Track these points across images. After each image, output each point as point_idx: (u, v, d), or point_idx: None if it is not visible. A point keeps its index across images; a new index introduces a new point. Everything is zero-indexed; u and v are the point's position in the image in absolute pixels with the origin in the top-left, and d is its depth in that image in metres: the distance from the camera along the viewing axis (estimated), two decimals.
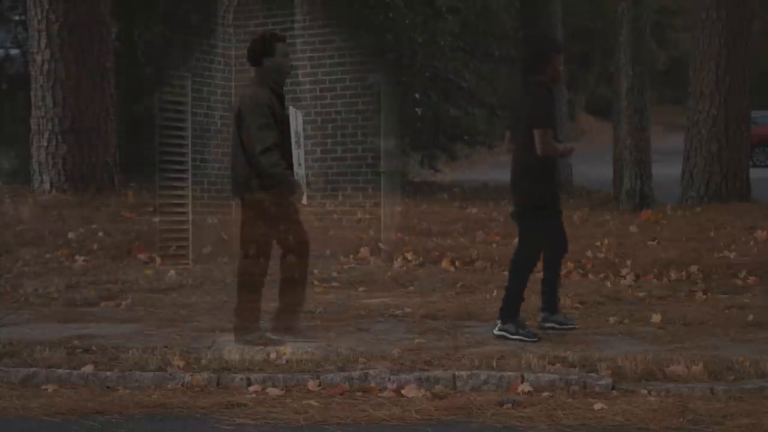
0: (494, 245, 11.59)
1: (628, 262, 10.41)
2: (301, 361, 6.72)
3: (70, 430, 5.62)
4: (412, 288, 9.81)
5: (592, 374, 6.35)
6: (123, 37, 22.18)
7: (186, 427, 5.67)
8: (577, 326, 7.80)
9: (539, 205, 7.53)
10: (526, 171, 7.56)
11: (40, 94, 15.42)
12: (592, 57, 43.31)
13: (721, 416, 5.65)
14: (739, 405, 5.86)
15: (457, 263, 10.96)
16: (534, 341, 7.34)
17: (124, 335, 7.72)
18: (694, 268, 10.19)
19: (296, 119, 7.52)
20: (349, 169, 11.74)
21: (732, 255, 10.73)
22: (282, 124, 7.34)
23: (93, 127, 15.46)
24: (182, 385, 6.37)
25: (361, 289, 9.88)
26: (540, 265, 7.79)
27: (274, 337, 7.38)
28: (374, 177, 11.25)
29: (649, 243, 11.44)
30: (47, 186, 15.27)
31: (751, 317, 8.18)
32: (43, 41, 15.31)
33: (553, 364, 6.54)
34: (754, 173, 16.91)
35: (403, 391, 6.18)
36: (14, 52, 23.16)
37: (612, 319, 8.21)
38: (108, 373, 6.55)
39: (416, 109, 20.77)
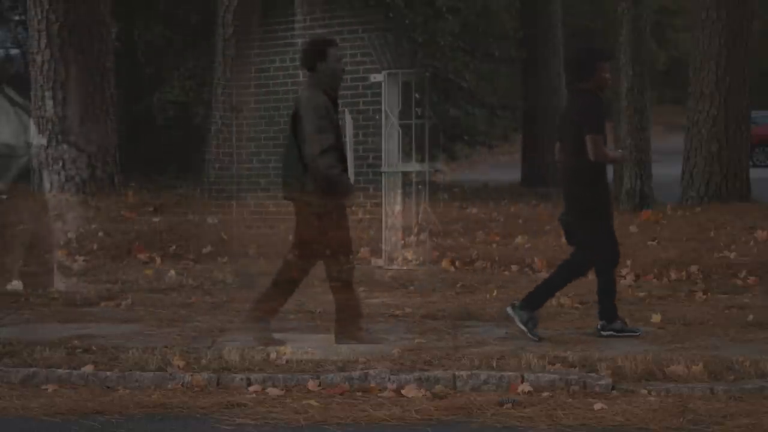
0: (494, 245, 11.59)
1: (628, 262, 10.41)
2: (301, 361, 6.72)
3: (70, 430, 5.63)
4: (412, 288, 9.81)
5: (592, 374, 6.35)
6: (123, 37, 22.19)
7: (186, 427, 5.67)
8: (640, 333, 7.65)
9: (592, 209, 7.56)
10: (576, 177, 7.61)
11: (40, 94, 15.42)
12: None
13: (721, 416, 5.65)
14: (739, 405, 5.86)
15: (457, 263, 10.96)
16: (535, 341, 7.36)
17: (124, 335, 7.72)
18: (694, 268, 10.19)
19: (348, 123, 7.56)
20: (349, 168, 11.73)
21: (732, 255, 10.73)
22: (336, 127, 7.40)
23: (93, 127, 15.46)
24: (182, 385, 6.37)
25: (361, 289, 9.87)
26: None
27: (277, 337, 7.37)
28: (375, 177, 11.24)
29: (649, 243, 11.44)
30: (47, 186, 15.27)
31: (751, 317, 8.18)
32: (43, 41, 15.32)
33: (553, 364, 6.54)
34: (754, 173, 16.91)
35: (403, 391, 6.18)
36: (14, 52, 23.17)
37: None
38: (108, 373, 6.55)
39: (416, 109, 20.76)
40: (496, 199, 16.24)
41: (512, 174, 24.25)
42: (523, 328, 7.46)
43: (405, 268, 10.75)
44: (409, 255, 11.09)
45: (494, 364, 6.57)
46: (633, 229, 12.27)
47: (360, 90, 11.48)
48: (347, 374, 6.40)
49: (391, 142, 11.02)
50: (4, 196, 8.64)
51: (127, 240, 11.97)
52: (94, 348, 7.18)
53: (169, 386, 6.37)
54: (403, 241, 11.27)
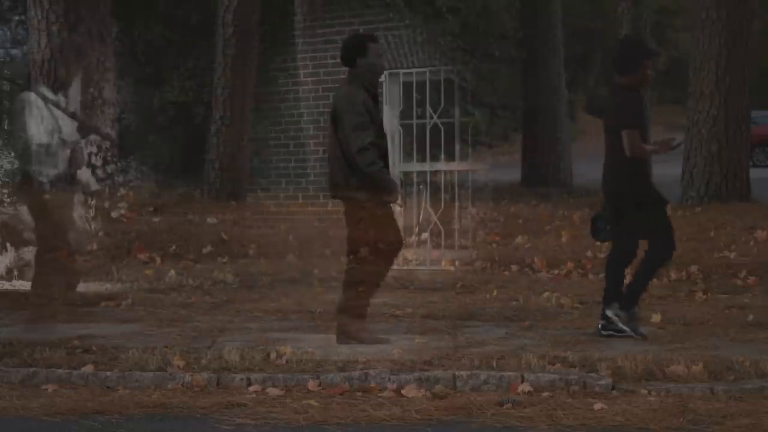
0: (494, 245, 11.59)
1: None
2: (301, 361, 6.72)
3: (70, 430, 5.62)
4: (412, 288, 9.81)
5: (592, 374, 6.35)
6: (123, 37, 22.17)
7: (186, 427, 5.67)
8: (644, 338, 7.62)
9: (633, 203, 7.53)
10: (616, 171, 7.59)
11: (40, 94, 15.40)
12: (592, 57, 43.31)
13: (721, 416, 5.64)
14: (739, 405, 5.86)
15: (457, 263, 10.96)
16: (640, 338, 7.38)
17: (124, 335, 7.72)
18: (694, 268, 10.19)
19: (391, 121, 7.50)
20: None
21: (732, 255, 10.74)
22: (377, 123, 7.35)
23: (93, 127, 15.45)
24: (182, 385, 6.37)
25: (360, 289, 9.87)
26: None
27: (381, 336, 7.38)
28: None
29: None
30: (47, 186, 15.25)
31: (751, 317, 8.18)
32: (43, 41, 15.32)
33: (553, 364, 6.54)
34: (754, 173, 16.92)
35: (403, 391, 6.18)
36: (14, 52, 23.17)
37: None
38: (108, 373, 6.55)
39: (416, 109, 20.77)
40: (496, 199, 16.23)
41: (512, 174, 24.26)
42: (625, 328, 7.43)
43: (406, 268, 10.75)
44: (410, 255, 11.10)
45: (494, 364, 6.57)
46: None
47: None
48: (347, 374, 6.40)
49: (391, 141, 11.03)
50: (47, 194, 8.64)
51: (127, 240, 11.97)
52: (94, 348, 7.19)
53: (169, 386, 6.37)
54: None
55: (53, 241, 8.41)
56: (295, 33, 17.30)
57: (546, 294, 9.27)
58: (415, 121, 11.55)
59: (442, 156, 11.92)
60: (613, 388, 6.16)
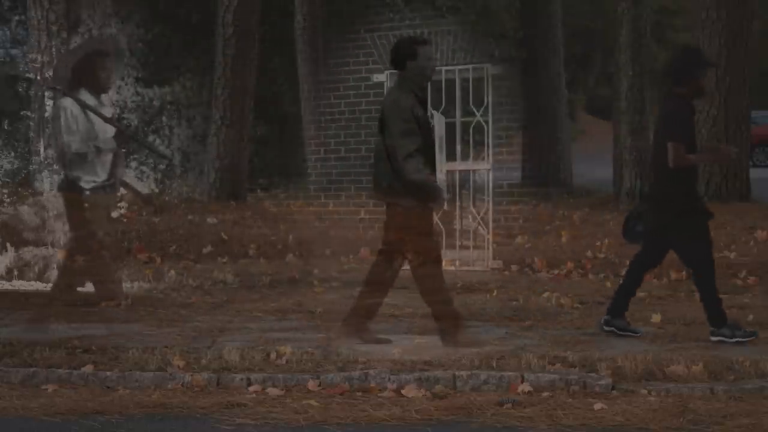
0: (494, 245, 11.58)
1: (628, 262, 10.40)
2: (301, 361, 6.72)
3: (70, 430, 5.62)
4: (412, 288, 9.80)
5: (592, 374, 6.35)
6: (123, 37, 22.16)
7: (186, 427, 5.67)
8: (641, 334, 7.62)
9: (675, 212, 7.45)
10: (661, 179, 7.55)
11: (40, 94, 15.42)
12: (592, 57, 43.28)
13: (721, 416, 5.64)
14: (739, 405, 5.86)
15: (457, 263, 10.96)
16: (752, 337, 7.30)
17: (124, 335, 7.72)
18: None
19: (439, 124, 7.43)
20: (352, 169, 11.74)
21: (732, 255, 10.74)
22: (425, 129, 7.25)
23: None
24: (182, 385, 6.37)
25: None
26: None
27: (480, 337, 7.36)
28: None
29: None
30: (47, 186, 15.27)
31: (751, 317, 8.18)
32: (43, 41, 15.32)
33: (553, 364, 6.53)
34: (754, 173, 16.92)
35: (403, 391, 6.18)
36: (14, 52, 23.15)
37: None
38: (108, 373, 6.55)
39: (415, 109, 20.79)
40: (496, 199, 16.21)
41: (512, 174, 24.22)
42: (735, 340, 7.31)
43: (406, 268, 10.74)
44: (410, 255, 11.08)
45: (494, 364, 6.57)
46: None
47: (362, 90, 11.50)
48: (347, 374, 6.40)
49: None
50: (87, 192, 8.64)
51: (127, 240, 11.96)
52: (94, 348, 7.18)
53: (169, 386, 6.37)
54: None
55: (88, 245, 8.44)
56: (295, 33, 17.32)
57: (546, 294, 9.27)
58: None
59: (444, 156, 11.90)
60: (613, 388, 6.16)
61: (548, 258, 11.10)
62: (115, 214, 13.30)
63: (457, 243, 11.23)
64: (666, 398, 5.99)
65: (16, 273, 10.72)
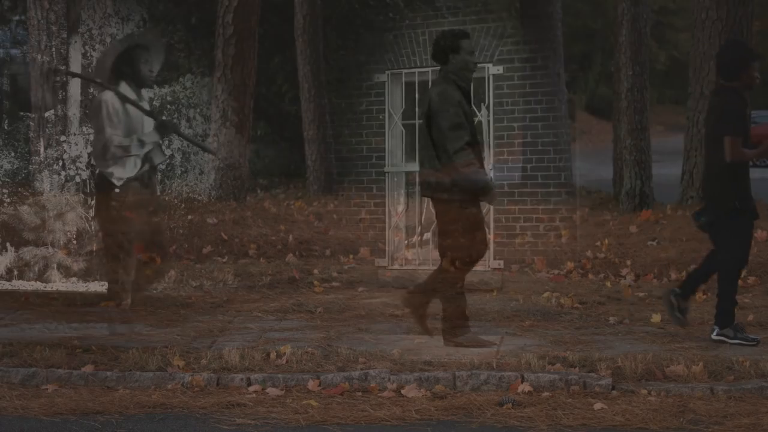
0: (494, 245, 11.57)
1: (628, 262, 10.42)
2: (301, 361, 6.72)
3: (70, 430, 5.62)
4: (412, 288, 9.79)
5: (592, 374, 6.35)
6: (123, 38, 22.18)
7: (186, 427, 5.67)
8: (758, 342, 7.46)
9: (730, 208, 7.43)
10: (716, 174, 7.52)
11: (40, 94, 15.43)
12: (592, 57, 43.29)
13: (721, 416, 5.65)
14: (739, 405, 5.86)
15: (457, 263, 10.92)
16: (753, 344, 7.27)
17: (125, 335, 7.72)
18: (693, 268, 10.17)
19: (483, 117, 7.41)
20: (352, 169, 11.73)
21: None
22: (471, 123, 7.22)
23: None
24: (182, 385, 6.37)
25: (360, 289, 9.88)
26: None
27: (484, 338, 7.33)
28: (379, 177, 11.24)
29: (649, 243, 11.44)
30: (47, 186, 15.27)
31: (751, 317, 8.18)
32: (43, 41, 15.32)
33: (553, 364, 6.54)
34: (754, 173, 16.88)
35: (403, 391, 6.18)
36: (14, 52, 23.17)
37: (612, 319, 8.22)
38: (108, 373, 6.55)
39: (416, 109, 20.80)
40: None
41: (512, 174, 24.22)
42: (736, 342, 7.30)
43: (406, 268, 10.75)
44: (410, 255, 11.09)
45: (494, 364, 6.57)
46: (633, 229, 12.27)
47: (363, 90, 11.49)
48: (347, 374, 6.40)
49: (394, 142, 11.02)
50: (117, 189, 8.65)
51: (128, 240, 11.93)
52: (94, 348, 7.18)
53: (169, 386, 6.37)
54: (406, 242, 11.27)
55: (120, 243, 8.46)
56: (295, 33, 17.32)
57: (546, 294, 9.27)
58: (417, 122, 11.56)
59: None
60: (613, 388, 6.16)
61: (548, 258, 11.10)
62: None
63: None
64: (666, 398, 5.99)
65: (16, 273, 10.72)
